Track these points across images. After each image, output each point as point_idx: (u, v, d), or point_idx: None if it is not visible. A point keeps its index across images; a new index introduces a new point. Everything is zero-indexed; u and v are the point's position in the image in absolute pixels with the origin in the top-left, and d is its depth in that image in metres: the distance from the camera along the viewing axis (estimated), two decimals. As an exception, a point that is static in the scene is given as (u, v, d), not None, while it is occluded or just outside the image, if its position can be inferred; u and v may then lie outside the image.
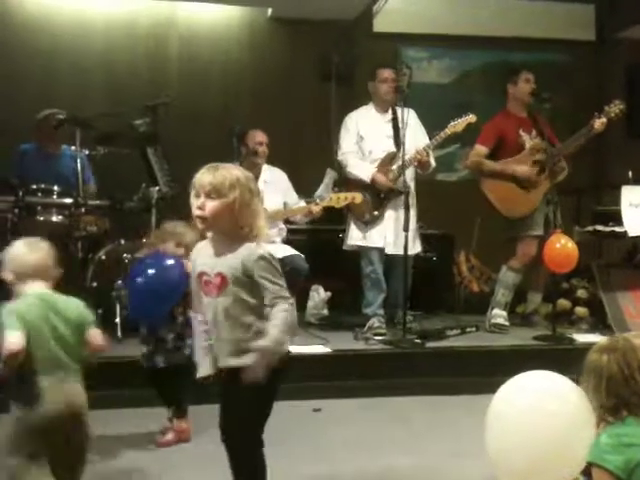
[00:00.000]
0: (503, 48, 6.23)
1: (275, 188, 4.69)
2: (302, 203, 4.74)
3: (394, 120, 4.49)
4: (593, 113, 4.42)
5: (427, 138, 4.58)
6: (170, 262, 2.92)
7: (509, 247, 4.66)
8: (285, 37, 5.98)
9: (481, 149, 4.66)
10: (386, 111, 4.59)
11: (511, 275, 4.60)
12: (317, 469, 2.78)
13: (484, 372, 3.62)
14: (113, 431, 3.19)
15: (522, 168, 4.56)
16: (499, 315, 4.62)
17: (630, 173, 4.92)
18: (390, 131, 4.54)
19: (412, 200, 4.59)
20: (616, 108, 4.35)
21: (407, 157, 4.39)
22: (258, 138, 4.59)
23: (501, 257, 4.75)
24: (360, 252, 4.57)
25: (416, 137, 4.56)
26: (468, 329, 4.55)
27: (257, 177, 4.66)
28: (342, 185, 4.92)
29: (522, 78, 4.68)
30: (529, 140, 4.60)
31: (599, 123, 4.34)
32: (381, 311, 4.52)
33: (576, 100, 5.88)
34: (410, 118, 4.57)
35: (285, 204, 4.72)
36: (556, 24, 6.23)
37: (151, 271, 2.92)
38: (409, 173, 4.53)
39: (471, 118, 4.42)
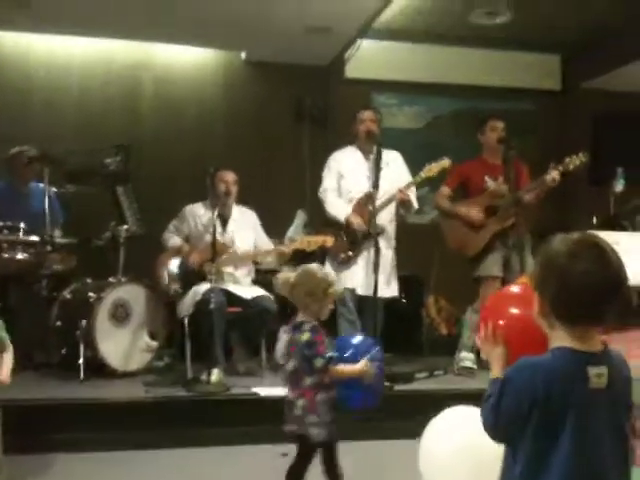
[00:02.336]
0: (471, 96, 6.38)
1: (246, 227, 4.70)
2: (271, 245, 4.75)
3: (375, 161, 4.50)
4: (557, 161, 4.51)
5: (412, 179, 4.62)
6: None
7: (475, 288, 4.71)
8: (259, 79, 6.06)
9: (444, 189, 4.80)
10: (369, 152, 4.61)
11: (475, 317, 4.63)
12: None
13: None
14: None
15: (465, 209, 4.67)
16: (466, 358, 4.63)
17: (595, 219, 5.03)
18: (369, 172, 4.56)
19: (391, 242, 4.62)
20: (577, 160, 4.40)
21: (388, 196, 4.43)
22: (227, 177, 4.61)
23: (469, 299, 4.79)
24: (333, 293, 4.56)
25: (400, 178, 4.60)
26: (436, 372, 4.55)
27: (227, 217, 4.68)
28: (316, 225, 4.93)
29: (489, 126, 4.79)
30: (493, 185, 4.69)
31: (550, 179, 4.42)
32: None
33: (542, 148, 6.02)
34: (393, 161, 4.63)
35: (255, 244, 4.72)
36: (523, 73, 6.42)
37: None
38: (387, 215, 4.57)
39: (445, 162, 4.49)
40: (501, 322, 1.71)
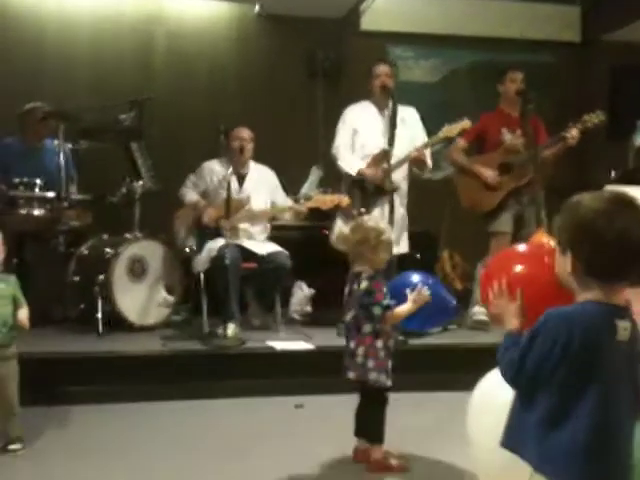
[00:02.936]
0: (489, 48, 6.25)
1: (263, 187, 4.68)
2: (290, 201, 4.74)
3: (390, 118, 4.43)
4: (575, 115, 4.44)
5: (426, 137, 4.57)
6: None
7: (489, 243, 4.70)
8: (272, 33, 5.97)
9: (460, 143, 4.73)
10: (384, 108, 4.54)
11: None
12: (299, 464, 2.78)
13: (466, 369, 3.63)
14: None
15: (482, 170, 4.62)
16: (480, 312, 4.64)
17: (613, 173, 4.96)
18: (385, 128, 4.50)
19: (403, 200, 4.59)
20: (596, 118, 4.35)
21: (404, 155, 4.39)
22: (241, 134, 4.58)
23: (482, 254, 4.78)
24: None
25: (416, 135, 4.55)
26: (450, 326, 4.57)
27: (244, 175, 4.67)
28: (333, 182, 4.90)
29: (508, 78, 4.72)
30: (510, 139, 4.64)
31: (570, 137, 4.36)
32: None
33: (560, 101, 5.93)
34: (409, 116, 4.57)
35: (272, 203, 4.71)
36: (542, 25, 6.27)
37: None
38: (401, 172, 4.53)
39: (465, 123, 4.41)
40: (514, 276, 1.77)
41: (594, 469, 1.45)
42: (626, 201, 1.50)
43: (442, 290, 3.13)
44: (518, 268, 1.86)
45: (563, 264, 1.54)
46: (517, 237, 4.55)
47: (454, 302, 3.13)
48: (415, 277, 2.91)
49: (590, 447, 1.45)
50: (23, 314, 2.85)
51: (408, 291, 2.79)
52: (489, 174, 4.60)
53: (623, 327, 1.49)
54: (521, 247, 2.17)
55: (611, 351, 1.48)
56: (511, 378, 1.56)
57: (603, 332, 1.47)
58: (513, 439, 1.57)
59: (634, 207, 1.49)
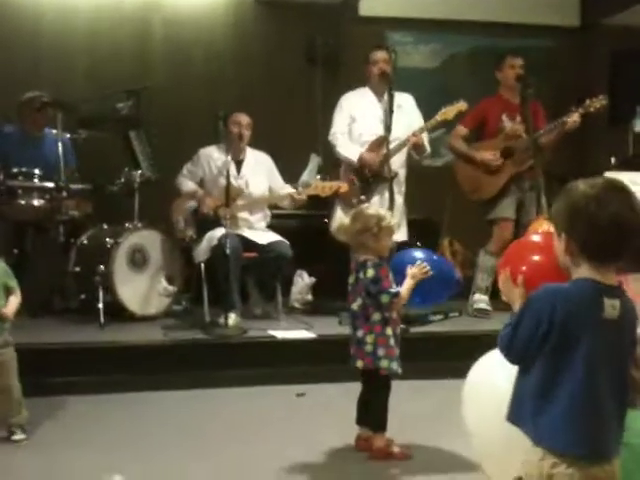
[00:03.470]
0: (489, 33, 6.20)
1: (260, 172, 4.67)
2: (288, 187, 4.72)
3: (388, 104, 4.39)
4: (575, 100, 4.42)
5: (423, 123, 4.55)
6: None
7: (488, 231, 4.69)
8: (270, 20, 5.92)
9: (460, 129, 4.72)
10: (382, 95, 4.52)
11: (488, 259, 4.63)
12: (301, 452, 2.79)
13: (467, 357, 3.64)
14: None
15: (482, 154, 4.61)
16: (481, 300, 4.65)
17: (613, 159, 4.95)
18: (382, 115, 4.48)
19: (401, 187, 4.57)
20: (597, 103, 4.32)
21: (401, 140, 4.37)
22: (240, 120, 4.55)
23: (482, 242, 4.78)
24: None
25: (412, 121, 4.54)
26: (451, 314, 4.58)
27: (242, 161, 4.65)
28: (330, 170, 4.89)
29: (507, 64, 4.69)
30: (510, 125, 4.62)
31: (571, 121, 4.34)
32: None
33: (560, 86, 5.90)
34: (406, 103, 4.55)
35: (270, 189, 4.70)
36: (542, 9, 6.22)
37: None
38: (399, 159, 4.51)
39: (462, 105, 4.40)
40: (523, 268, 1.86)
41: (577, 437, 1.52)
42: (618, 187, 1.57)
43: (444, 263, 3.17)
44: (528, 258, 1.96)
45: (559, 247, 1.62)
46: (519, 224, 4.55)
47: (457, 275, 3.16)
48: (418, 254, 2.96)
49: (573, 416, 1.52)
50: (11, 305, 2.82)
51: (409, 267, 2.79)
52: (490, 157, 4.58)
53: (610, 304, 1.55)
54: (535, 237, 2.27)
55: (596, 327, 1.54)
56: (505, 350, 1.64)
57: (587, 307, 1.54)
58: (514, 413, 1.64)
59: (626, 192, 1.57)
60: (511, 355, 1.63)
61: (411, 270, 2.77)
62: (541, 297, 1.58)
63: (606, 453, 1.55)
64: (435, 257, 3.08)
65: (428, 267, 2.79)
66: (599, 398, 1.54)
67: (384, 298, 2.69)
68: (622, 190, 1.57)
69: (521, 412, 1.61)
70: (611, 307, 1.55)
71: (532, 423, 1.57)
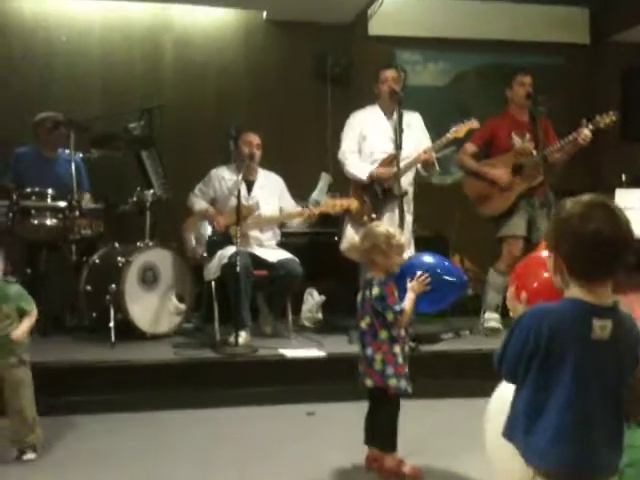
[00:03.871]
0: (498, 51, 6.24)
1: (271, 193, 4.69)
2: (298, 207, 4.74)
3: (397, 122, 4.36)
4: (586, 118, 4.41)
5: (430, 142, 4.55)
6: None
7: (498, 248, 4.68)
8: (281, 39, 5.99)
9: (469, 147, 4.73)
10: (391, 113, 4.53)
11: (497, 277, 4.61)
12: (311, 472, 2.78)
13: (478, 375, 3.62)
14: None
15: (493, 171, 4.61)
16: (491, 318, 4.63)
17: (624, 176, 4.93)
18: (392, 133, 4.46)
19: (410, 206, 4.56)
20: (608, 119, 4.30)
21: (411, 158, 4.38)
22: (251, 140, 4.58)
23: (492, 259, 4.76)
24: (357, 255, 4.56)
25: (420, 140, 4.54)
26: (462, 332, 4.56)
27: (253, 182, 4.68)
28: (341, 187, 4.89)
29: (517, 82, 4.70)
30: (520, 143, 4.62)
31: (583, 136, 4.33)
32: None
33: (571, 103, 5.90)
34: (414, 121, 4.56)
35: (281, 209, 4.72)
36: (551, 27, 6.25)
37: None
38: (407, 178, 4.52)
39: (473, 123, 4.38)
40: (535, 284, 1.91)
41: (565, 457, 1.52)
42: (601, 203, 1.57)
43: (450, 266, 3.16)
44: (537, 274, 1.97)
45: (550, 266, 1.63)
46: (529, 241, 4.53)
47: (464, 277, 3.16)
48: (426, 257, 3.04)
49: (561, 436, 1.52)
50: (21, 329, 2.83)
51: (408, 281, 2.79)
52: (500, 173, 4.58)
53: (600, 325, 1.53)
54: (544, 253, 2.25)
55: (583, 347, 1.53)
56: (497, 367, 1.66)
57: (572, 327, 1.53)
58: (509, 429, 1.64)
59: (609, 208, 1.56)
60: (502, 372, 1.65)
61: (411, 283, 2.78)
62: (529, 316, 1.58)
63: (597, 473, 1.53)
64: (442, 258, 3.10)
65: (427, 277, 2.81)
66: (589, 418, 1.52)
67: (389, 316, 2.70)
68: (605, 206, 1.56)
69: (514, 429, 1.61)
70: (600, 328, 1.53)
71: (523, 442, 1.57)
